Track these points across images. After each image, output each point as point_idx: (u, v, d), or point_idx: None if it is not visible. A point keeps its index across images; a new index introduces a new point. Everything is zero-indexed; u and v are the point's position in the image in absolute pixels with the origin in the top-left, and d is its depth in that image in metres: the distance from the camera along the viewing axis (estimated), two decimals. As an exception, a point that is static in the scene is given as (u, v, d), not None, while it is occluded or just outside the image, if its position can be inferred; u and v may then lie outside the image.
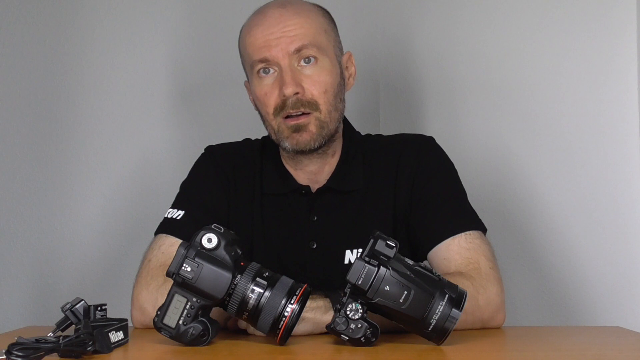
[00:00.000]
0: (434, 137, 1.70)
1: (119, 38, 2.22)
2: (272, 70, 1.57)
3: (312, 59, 1.57)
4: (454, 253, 1.52)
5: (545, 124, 2.11)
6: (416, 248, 1.59)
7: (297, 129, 1.57)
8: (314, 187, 1.64)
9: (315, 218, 1.63)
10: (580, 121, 2.08)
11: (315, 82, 1.56)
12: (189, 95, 2.23)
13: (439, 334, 1.23)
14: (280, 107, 1.56)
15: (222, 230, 1.27)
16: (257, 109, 1.65)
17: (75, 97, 2.20)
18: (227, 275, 1.24)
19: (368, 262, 1.22)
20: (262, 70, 1.57)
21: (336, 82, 1.60)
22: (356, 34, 2.17)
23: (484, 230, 1.59)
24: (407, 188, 1.62)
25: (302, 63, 1.56)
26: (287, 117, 1.56)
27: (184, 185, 1.69)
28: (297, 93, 1.55)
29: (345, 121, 1.69)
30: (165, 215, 1.61)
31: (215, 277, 1.24)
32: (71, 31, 2.20)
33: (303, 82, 1.56)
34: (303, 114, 1.56)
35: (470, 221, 1.58)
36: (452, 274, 1.46)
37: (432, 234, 1.55)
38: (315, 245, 1.61)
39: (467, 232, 1.55)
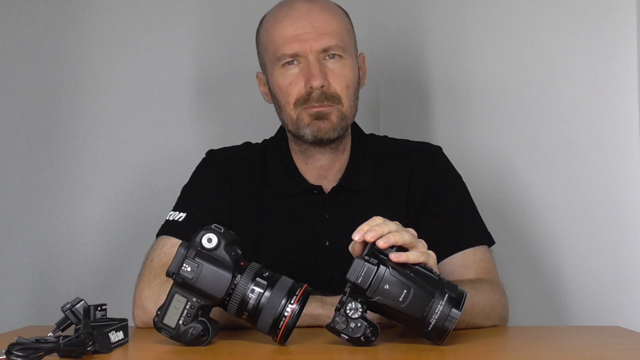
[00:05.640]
0: (434, 137, 1.72)
1: (120, 38, 2.21)
2: (296, 62, 1.61)
3: (337, 56, 1.61)
4: (471, 262, 1.58)
5: (545, 123, 2.11)
6: None
7: (320, 117, 1.60)
8: (325, 185, 1.66)
9: (328, 216, 1.64)
10: (580, 121, 2.08)
11: (338, 77, 1.60)
12: (189, 97, 2.23)
13: (439, 334, 1.23)
14: (304, 99, 1.60)
15: (222, 230, 1.27)
16: (272, 99, 1.68)
17: (75, 97, 2.20)
18: (227, 275, 1.24)
19: (368, 261, 1.22)
20: (287, 62, 1.61)
21: (356, 79, 1.65)
22: (357, 33, 2.16)
23: (493, 243, 1.66)
24: (421, 194, 1.66)
25: (327, 57, 1.60)
26: (310, 107, 1.60)
27: (186, 189, 1.70)
28: (323, 86, 1.58)
29: None
30: (167, 218, 1.62)
31: (215, 277, 1.24)
32: (71, 31, 2.20)
33: (328, 75, 1.60)
34: (326, 105, 1.60)
35: (485, 235, 1.65)
36: (473, 279, 1.54)
37: (450, 242, 1.59)
38: (327, 243, 1.63)
39: (482, 246, 1.62)
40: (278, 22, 1.63)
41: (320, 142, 1.62)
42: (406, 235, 1.27)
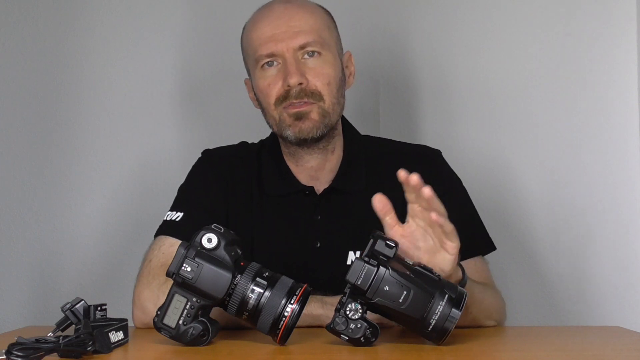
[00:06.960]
0: (433, 137, 1.71)
1: (119, 38, 2.21)
2: (275, 63, 1.59)
3: (316, 53, 1.59)
4: (472, 273, 1.55)
5: (544, 123, 2.11)
6: None
7: (300, 117, 1.58)
8: (317, 187, 1.65)
9: (319, 217, 1.63)
10: (580, 121, 2.08)
11: (318, 74, 1.59)
12: (189, 96, 2.23)
13: (439, 334, 1.23)
14: (283, 97, 1.58)
15: (222, 230, 1.27)
16: (258, 104, 1.67)
17: (75, 97, 2.20)
18: (227, 275, 1.24)
19: (367, 262, 1.22)
20: (266, 63, 1.60)
21: (338, 76, 1.63)
22: (356, 34, 2.16)
23: (494, 249, 1.65)
24: None
25: (305, 56, 1.59)
26: (289, 106, 1.58)
27: (182, 188, 1.69)
28: (300, 83, 1.57)
29: (344, 120, 1.70)
30: (165, 218, 1.62)
31: (215, 277, 1.24)
32: (71, 31, 2.20)
33: (307, 73, 1.58)
34: (306, 103, 1.58)
35: (485, 243, 1.65)
36: (479, 282, 1.53)
37: None
38: (319, 245, 1.62)
39: (481, 257, 1.62)
40: (256, 25, 1.63)
41: (305, 143, 1.60)
42: (449, 226, 1.27)
